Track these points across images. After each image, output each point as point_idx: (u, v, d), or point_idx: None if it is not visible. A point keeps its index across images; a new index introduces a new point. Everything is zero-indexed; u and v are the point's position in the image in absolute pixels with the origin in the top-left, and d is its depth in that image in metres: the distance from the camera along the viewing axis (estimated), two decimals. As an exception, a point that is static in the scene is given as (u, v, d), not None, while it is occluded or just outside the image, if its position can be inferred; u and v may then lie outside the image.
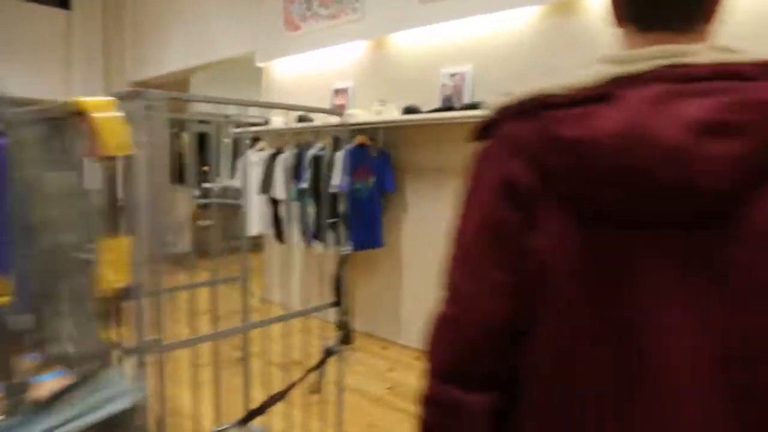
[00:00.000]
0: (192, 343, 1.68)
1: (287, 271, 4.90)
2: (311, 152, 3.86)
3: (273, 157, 4.16)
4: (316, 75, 4.55)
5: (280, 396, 1.97)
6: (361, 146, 3.70)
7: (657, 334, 0.62)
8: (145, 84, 6.46)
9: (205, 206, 6.26)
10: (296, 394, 2.11)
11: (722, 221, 0.61)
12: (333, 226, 2.10)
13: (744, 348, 0.60)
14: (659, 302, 0.63)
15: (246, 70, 5.19)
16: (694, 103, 0.60)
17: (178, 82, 6.44)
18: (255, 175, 4.27)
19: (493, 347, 0.72)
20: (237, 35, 5.12)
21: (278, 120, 4.47)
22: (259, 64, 4.94)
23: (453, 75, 3.57)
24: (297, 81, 4.73)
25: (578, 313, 0.66)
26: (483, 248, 0.72)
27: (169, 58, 6.05)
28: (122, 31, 6.77)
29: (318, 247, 3.98)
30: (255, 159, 4.37)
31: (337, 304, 2.07)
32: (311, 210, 3.90)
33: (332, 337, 2.14)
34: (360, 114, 3.85)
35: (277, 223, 4.21)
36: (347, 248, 2.02)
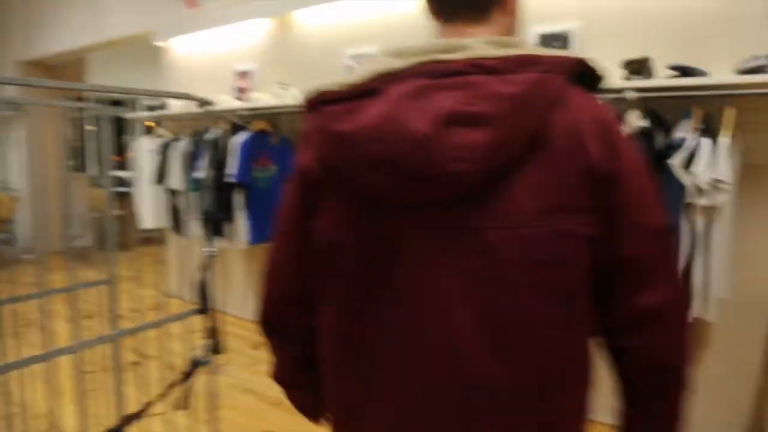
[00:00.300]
0: (18, 365, 1.43)
1: (193, 267, 4.63)
2: (207, 139, 3.58)
3: (168, 144, 3.85)
4: (218, 56, 4.25)
5: (135, 416, 1.75)
6: (260, 132, 3.46)
7: (429, 309, 0.72)
8: (38, 64, 5.93)
9: (119, 196, 5.88)
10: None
11: (477, 203, 0.68)
12: (208, 222, 1.87)
13: (497, 310, 0.70)
14: (428, 277, 0.71)
15: (147, 50, 4.82)
16: (445, 96, 0.66)
17: (74, 62, 5.94)
18: (150, 164, 3.96)
19: (291, 306, 0.89)
20: (134, 12, 4.72)
21: (176, 104, 4.15)
22: (158, 44, 4.59)
23: (358, 57, 3.38)
24: (199, 62, 4.41)
25: (361, 290, 0.76)
26: (284, 225, 0.86)
27: (63, 36, 5.55)
28: (10, 5, 6.17)
29: (217, 241, 3.73)
30: (150, 146, 4.05)
31: (202, 311, 1.85)
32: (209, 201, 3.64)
33: (204, 345, 1.93)
34: (261, 98, 3.61)
35: (175, 215, 3.92)
36: (212, 249, 1.80)
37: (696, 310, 2.08)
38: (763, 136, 2.17)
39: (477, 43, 0.70)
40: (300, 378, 0.97)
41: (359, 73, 0.72)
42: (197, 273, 1.88)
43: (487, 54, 0.68)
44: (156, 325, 1.79)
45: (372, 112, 0.68)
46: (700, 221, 2.05)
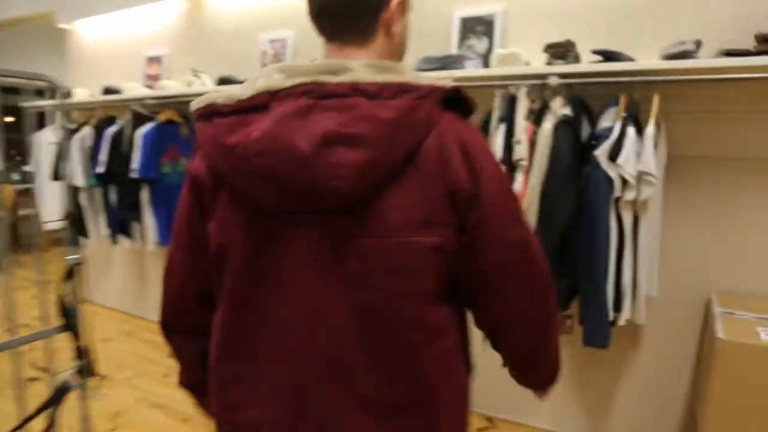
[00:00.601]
0: None
1: (107, 270, 4.29)
2: (110, 130, 3.26)
3: (69, 136, 3.49)
4: (128, 40, 3.91)
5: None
6: (169, 123, 3.16)
7: (309, 309, 0.78)
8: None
9: (27, 192, 5.42)
10: None
11: (355, 215, 0.75)
12: (72, 225, 1.60)
13: (368, 311, 0.77)
14: (308, 280, 0.78)
15: (52, 32, 4.40)
16: (326, 117, 0.72)
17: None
18: (50, 158, 3.59)
19: (188, 304, 0.91)
20: (34, -10, 4.30)
21: (81, 92, 3.79)
22: (62, 26, 4.19)
23: (273, 41, 3.13)
24: (107, 46, 4.05)
25: (245, 291, 0.82)
26: (179, 229, 0.89)
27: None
28: None
29: (125, 242, 3.42)
30: (52, 138, 3.68)
31: (68, 328, 1.59)
32: (114, 198, 3.32)
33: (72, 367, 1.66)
34: (170, 86, 3.31)
35: (78, 214, 3.56)
36: (76, 256, 1.54)
37: (626, 311, 1.95)
38: (689, 126, 2.07)
39: (359, 66, 0.75)
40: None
41: (248, 88, 0.77)
42: (60, 285, 1.61)
43: (368, 78, 0.73)
44: (6, 347, 1.52)
45: (259, 127, 0.73)
46: (627, 216, 1.92)
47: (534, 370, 0.97)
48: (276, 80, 0.75)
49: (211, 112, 0.78)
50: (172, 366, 3.28)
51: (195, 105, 0.81)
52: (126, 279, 4.17)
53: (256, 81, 0.77)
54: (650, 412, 2.34)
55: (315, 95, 0.73)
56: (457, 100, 0.81)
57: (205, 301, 0.90)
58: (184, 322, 0.94)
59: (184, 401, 2.85)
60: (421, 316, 0.80)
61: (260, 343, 0.82)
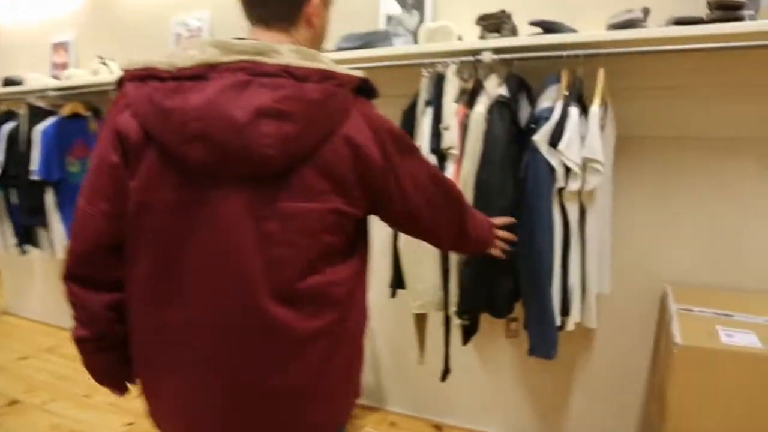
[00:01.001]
0: None
1: (27, 278, 3.93)
2: (6, 127, 2.90)
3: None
4: (31, 25, 3.52)
5: None
6: (73, 117, 2.83)
7: (224, 258, 0.88)
8: None
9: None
10: None
11: (278, 181, 0.87)
12: None
13: (275, 258, 0.89)
14: (227, 238, 0.87)
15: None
16: (261, 93, 0.83)
17: None
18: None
19: (98, 258, 0.94)
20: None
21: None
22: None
23: (188, 23, 2.82)
24: (9, 32, 3.65)
25: (171, 241, 0.89)
26: (97, 181, 0.91)
27: None
28: None
29: (31, 250, 3.08)
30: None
31: None
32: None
33: None
34: (79, 75, 2.96)
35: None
36: None
37: (575, 314, 1.75)
38: (638, 103, 1.87)
39: (286, 50, 0.87)
40: (112, 328, 1.00)
41: (185, 57, 0.84)
42: None
43: (296, 63, 0.85)
44: None
45: (201, 95, 0.82)
46: (573, 209, 1.71)
47: (466, 247, 1.35)
48: (211, 54, 0.84)
49: (148, 74, 0.85)
50: (94, 386, 2.97)
51: (129, 65, 0.88)
52: (48, 288, 3.82)
53: (187, 51, 0.85)
54: (606, 415, 2.18)
55: (251, 72, 0.83)
56: (365, 89, 0.95)
57: (117, 254, 0.94)
58: (95, 275, 0.96)
59: (105, 427, 2.57)
60: (326, 267, 0.93)
61: (188, 291, 0.90)
